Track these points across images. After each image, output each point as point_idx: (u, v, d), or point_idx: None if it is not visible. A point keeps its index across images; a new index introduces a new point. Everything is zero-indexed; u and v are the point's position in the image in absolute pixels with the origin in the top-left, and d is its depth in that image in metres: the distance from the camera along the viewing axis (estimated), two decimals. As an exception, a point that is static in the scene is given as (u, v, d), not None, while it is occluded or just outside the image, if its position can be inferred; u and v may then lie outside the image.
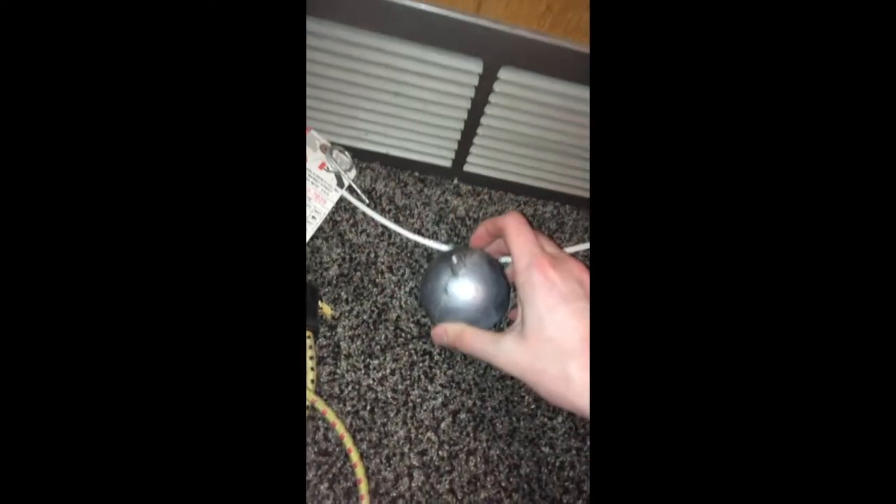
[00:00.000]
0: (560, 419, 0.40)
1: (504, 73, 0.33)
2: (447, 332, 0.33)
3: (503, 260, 0.37)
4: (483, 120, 0.37)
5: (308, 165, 0.42)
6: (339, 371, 0.38)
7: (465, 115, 0.37)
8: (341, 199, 0.42)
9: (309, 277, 0.40)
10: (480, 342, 0.31)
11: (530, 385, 0.28)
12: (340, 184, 0.43)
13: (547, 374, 0.27)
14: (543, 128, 0.38)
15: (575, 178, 0.42)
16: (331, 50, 0.33)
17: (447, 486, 0.37)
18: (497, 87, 0.34)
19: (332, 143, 0.42)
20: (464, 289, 0.34)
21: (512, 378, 0.40)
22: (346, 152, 0.43)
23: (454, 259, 0.34)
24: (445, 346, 0.34)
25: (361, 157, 0.43)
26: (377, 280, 0.40)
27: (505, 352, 0.29)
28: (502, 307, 0.35)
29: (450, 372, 0.39)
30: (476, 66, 0.33)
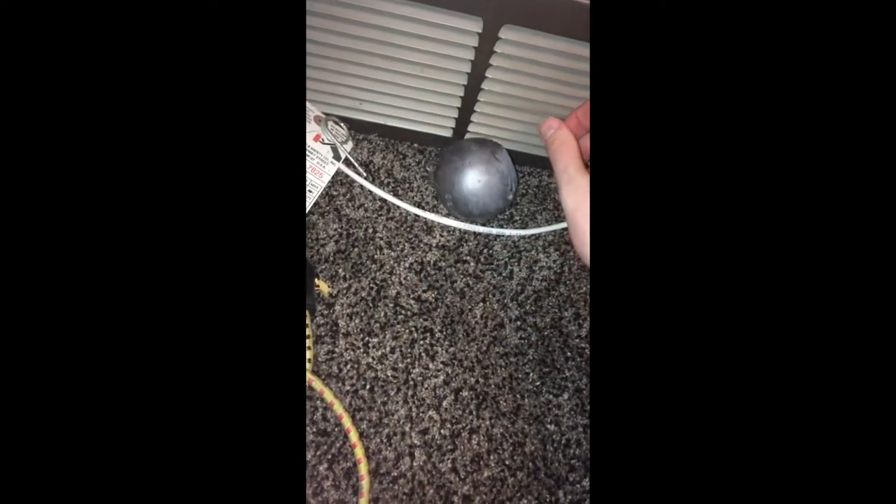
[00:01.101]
0: (566, 396, 0.39)
1: (505, 33, 0.31)
2: (558, 130, 0.32)
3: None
4: (484, 85, 0.35)
5: (302, 137, 0.40)
6: (337, 350, 0.37)
7: (465, 81, 0.35)
8: (338, 173, 0.41)
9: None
10: (565, 160, 0.30)
11: (573, 223, 0.28)
12: (337, 156, 0.41)
13: None
14: (549, 92, 0.35)
15: (581, 147, 0.40)
16: (320, 12, 0.31)
17: (449, 465, 0.36)
18: (498, 47, 0.32)
19: (327, 115, 0.40)
20: (472, 177, 0.37)
21: (516, 355, 0.39)
22: (342, 124, 0.41)
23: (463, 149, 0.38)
24: (544, 140, 0.33)
25: (358, 129, 0.41)
26: (376, 256, 0.39)
27: (575, 184, 0.29)
28: (507, 193, 0.38)
29: (451, 349, 0.38)
30: (475, 26, 0.31)
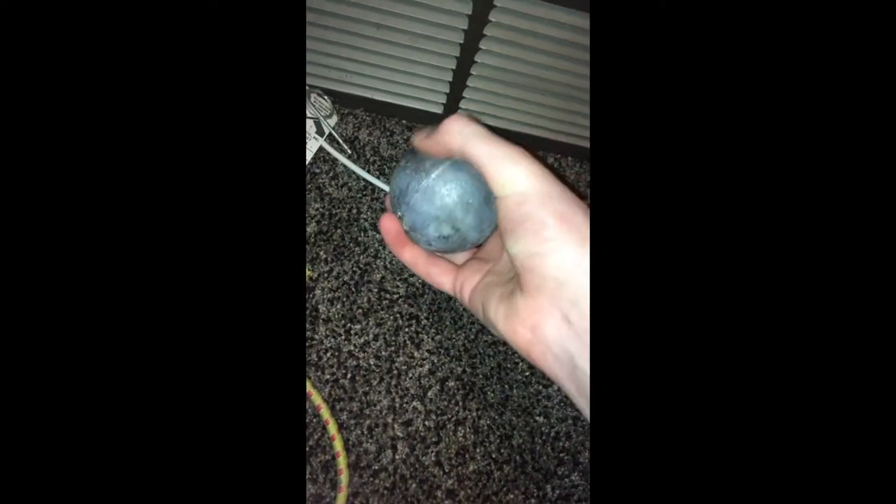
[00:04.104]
0: (556, 387, 0.37)
1: (501, 0, 0.29)
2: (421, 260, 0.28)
3: None
4: (477, 57, 0.33)
5: (283, 110, 0.38)
6: (317, 337, 0.35)
7: (457, 52, 0.33)
8: (320, 149, 0.38)
9: (284, 234, 0.36)
10: (480, 300, 0.26)
11: (530, 355, 0.23)
12: (320, 131, 0.39)
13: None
14: (544, 66, 0.33)
15: (578, 126, 0.38)
16: (300, -31, 0.29)
17: (433, 459, 0.34)
18: (493, 16, 0.30)
19: (310, 87, 0.38)
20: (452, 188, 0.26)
21: (505, 344, 0.37)
22: (326, 97, 0.39)
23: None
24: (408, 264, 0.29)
25: (343, 103, 0.39)
26: (359, 238, 0.37)
27: (508, 315, 0.23)
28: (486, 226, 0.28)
29: (438, 337, 0.36)
30: (469, -9, 0.29)
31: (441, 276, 0.29)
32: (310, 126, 0.38)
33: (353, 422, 0.34)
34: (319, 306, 0.35)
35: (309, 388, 0.32)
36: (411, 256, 0.30)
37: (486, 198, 0.27)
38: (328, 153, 0.38)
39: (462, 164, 0.26)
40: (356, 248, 0.37)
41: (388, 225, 0.29)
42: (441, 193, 0.26)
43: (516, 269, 0.23)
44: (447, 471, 0.34)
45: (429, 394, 0.35)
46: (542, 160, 0.40)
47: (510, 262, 0.24)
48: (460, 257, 0.31)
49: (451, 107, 0.38)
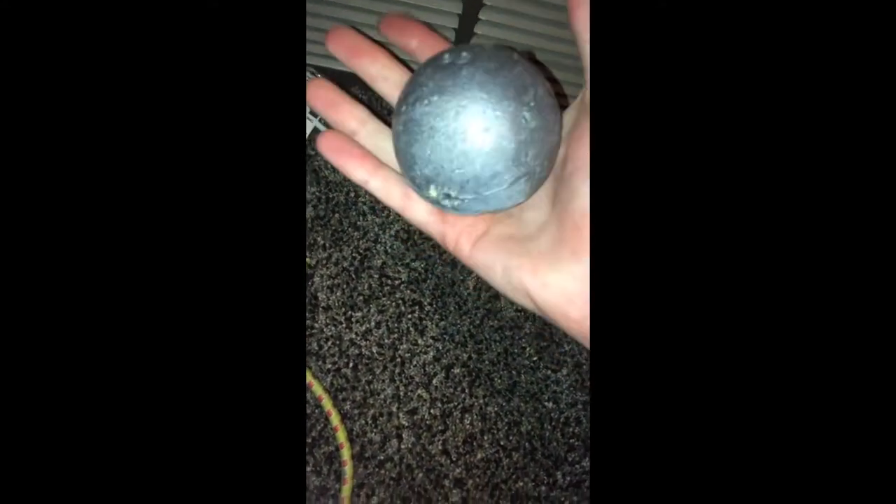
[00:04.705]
0: (565, 371, 0.36)
1: (501, -37, 0.27)
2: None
3: None
4: (477, 28, 0.32)
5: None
6: (316, 325, 0.34)
7: (455, 24, 0.31)
8: (314, 130, 0.37)
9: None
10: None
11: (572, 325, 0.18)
12: (314, 112, 0.37)
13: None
14: (546, 36, 0.32)
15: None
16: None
17: (440, 447, 0.33)
18: (493, -18, 0.28)
19: (303, 64, 0.36)
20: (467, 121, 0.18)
21: (511, 329, 0.36)
22: (319, 74, 0.37)
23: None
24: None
25: (337, 81, 0.37)
26: (358, 223, 0.36)
27: (560, 284, 0.18)
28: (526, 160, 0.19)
29: (442, 323, 0.35)
30: (466, -45, 0.27)
31: (425, 215, 0.22)
32: (303, 107, 0.37)
33: (356, 412, 0.33)
34: (319, 294, 0.34)
35: (310, 378, 0.31)
36: (384, 183, 0.21)
37: None
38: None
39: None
40: (355, 233, 0.35)
41: (331, 143, 0.21)
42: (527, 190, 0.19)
43: (575, 223, 0.17)
44: (454, 459, 0.33)
45: (434, 381, 0.34)
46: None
47: (540, 209, 0.19)
48: None
49: (451, 83, 0.36)
